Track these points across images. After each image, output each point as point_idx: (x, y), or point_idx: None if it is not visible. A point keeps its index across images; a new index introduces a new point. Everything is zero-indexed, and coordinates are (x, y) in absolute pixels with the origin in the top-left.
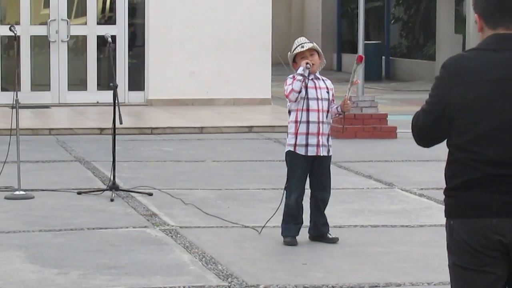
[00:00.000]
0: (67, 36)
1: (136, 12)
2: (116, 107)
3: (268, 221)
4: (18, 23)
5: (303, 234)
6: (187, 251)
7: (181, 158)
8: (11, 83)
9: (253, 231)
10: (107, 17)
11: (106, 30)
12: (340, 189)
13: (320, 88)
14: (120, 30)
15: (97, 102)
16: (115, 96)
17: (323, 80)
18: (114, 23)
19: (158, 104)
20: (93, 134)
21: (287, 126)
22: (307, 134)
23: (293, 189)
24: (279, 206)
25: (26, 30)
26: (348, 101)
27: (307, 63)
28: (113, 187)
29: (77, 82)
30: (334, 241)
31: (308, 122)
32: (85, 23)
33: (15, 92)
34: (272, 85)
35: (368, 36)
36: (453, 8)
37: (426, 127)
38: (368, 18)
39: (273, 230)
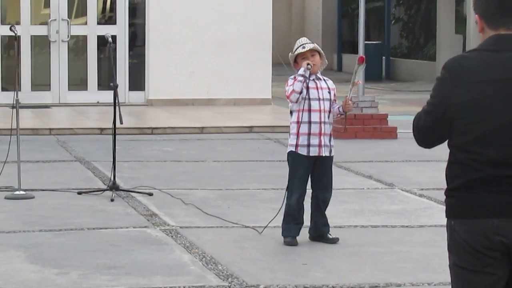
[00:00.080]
0: (68, 36)
1: (136, 12)
2: (117, 107)
3: (270, 221)
4: (18, 23)
5: (304, 234)
6: (187, 251)
7: (181, 158)
8: (12, 83)
9: (253, 231)
10: (107, 17)
11: (107, 30)
12: (340, 189)
13: (321, 88)
14: (120, 30)
15: (98, 102)
16: (115, 96)
17: (324, 80)
18: (114, 23)
19: (158, 104)
20: (93, 134)
21: (287, 127)
22: (309, 134)
23: (294, 189)
24: (281, 207)
25: (26, 30)
26: (350, 102)
27: (307, 64)
28: (114, 187)
29: (77, 82)
30: (334, 241)
31: (310, 122)
32: (86, 23)
33: (15, 92)
34: (272, 85)
35: (369, 36)
36: (453, 9)
37: (428, 127)
38: (368, 18)
39: (274, 230)
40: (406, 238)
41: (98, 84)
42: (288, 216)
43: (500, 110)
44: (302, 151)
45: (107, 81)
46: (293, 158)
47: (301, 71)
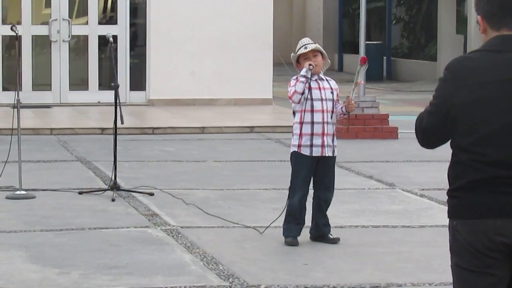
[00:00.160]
0: (69, 36)
1: (137, 12)
2: (118, 107)
3: (273, 221)
4: (19, 22)
5: (304, 234)
6: (188, 251)
7: (182, 158)
8: (13, 83)
9: (254, 231)
10: (108, 17)
11: (108, 30)
12: (341, 189)
13: (324, 88)
14: (121, 30)
15: (99, 102)
16: (116, 96)
17: (327, 80)
18: (115, 23)
19: (159, 104)
20: (94, 134)
21: (288, 127)
22: (312, 134)
23: (297, 189)
24: (285, 207)
25: (27, 30)
26: (352, 102)
27: (309, 65)
28: (114, 187)
29: (78, 82)
30: (335, 241)
31: (312, 123)
32: (87, 23)
33: (16, 92)
34: (273, 85)
35: (370, 37)
36: (454, 9)
37: (430, 128)
38: (369, 18)
39: (274, 230)
40: (407, 238)
41: (99, 84)
42: (290, 216)
43: (503, 111)
44: (305, 151)
45: (108, 81)
46: (296, 158)
47: (303, 72)
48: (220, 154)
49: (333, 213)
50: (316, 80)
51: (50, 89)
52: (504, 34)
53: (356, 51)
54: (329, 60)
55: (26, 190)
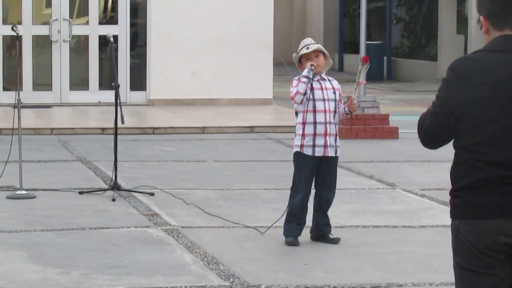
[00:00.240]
0: (69, 36)
1: (138, 12)
2: (118, 107)
3: (275, 222)
4: (20, 22)
5: (305, 234)
6: (188, 251)
7: (182, 158)
8: (13, 83)
9: (255, 231)
10: (109, 17)
11: (108, 30)
12: (341, 189)
13: (326, 88)
14: (122, 30)
15: (99, 102)
16: (117, 96)
17: (329, 80)
18: (116, 23)
19: (159, 104)
20: (94, 134)
21: (288, 127)
22: (314, 135)
23: (299, 189)
24: (287, 208)
25: (28, 30)
26: (355, 101)
27: (311, 65)
28: (115, 186)
29: (79, 82)
30: (335, 241)
31: (315, 123)
32: (87, 23)
33: (17, 92)
34: (273, 85)
35: (370, 37)
36: (455, 9)
37: (433, 128)
38: (370, 18)
39: (275, 230)
40: (408, 238)
41: (100, 84)
42: (291, 216)
43: (506, 111)
44: (308, 151)
45: (108, 81)
46: (299, 158)
47: (305, 72)
48: (221, 154)
49: (333, 213)
50: (318, 80)
51: (51, 89)
52: (506, 34)
53: (356, 51)
54: (331, 60)
55: (26, 190)
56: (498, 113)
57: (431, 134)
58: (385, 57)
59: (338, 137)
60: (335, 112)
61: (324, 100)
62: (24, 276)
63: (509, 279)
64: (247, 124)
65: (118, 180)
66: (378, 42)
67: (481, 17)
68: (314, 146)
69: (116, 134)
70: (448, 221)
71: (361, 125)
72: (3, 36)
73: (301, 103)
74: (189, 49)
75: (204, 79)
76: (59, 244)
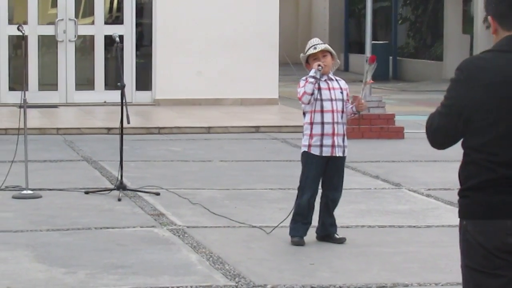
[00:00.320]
0: (75, 35)
1: (143, 12)
2: (124, 107)
3: (282, 222)
4: (26, 22)
5: (311, 234)
6: (194, 251)
7: (188, 158)
8: (19, 83)
9: (261, 231)
10: (114, 16)
11: (114, 30)
12: (347, 189)
13: (333, 88)
14: (127, 29)
15: (105, 102)
16: (122, 95)
17: (337, 80)
18: (121, 22)
19: (165, 104)
20: (100, 134)
21: (294, 126)
22: (322, 135)
23: (306, 189)
24: (293, 208)
25: (34, 30)
26: (362, 101)
27: (318, 65)
28: (121, 186)
29: (84, 81)
30: (341, 241)
31: (322, 123)
32: (93, 23)
33: (22, 92)
34: (279, 85)
35: (376, 36)
36: (460, 8)
37: (442, 129)
38: (375, 18)
39: (281, 230)
40: (413, 238)
41: (105, 84)
42: (297, 215)
43: None
44: (315, 151)
45: (114, 80)
46: (306, 158)
47: (312, 73)
48: (226, 154)
49: (339, 213)
50: (325, 80)
51: (56, 89)
52: None
53: (362, 51)
54: (338, 61)
55: (32, 189)
56: (508, 113)
57: (439, 134)
58: (390, 57)
59: (346, 137)
60: (342, 112)
61: (331, 100)
62: (30, 275)
63: None
64: (252, 124)
65: (124, 180)
66: (384, 42)
67: (489, 17)
68: (321, 146)
69: (121, 134)
70: (454, 221)
71: (367, 125)
72: (9, 36)
73: (308, 104)
74: (195, 49)
75: (210, 79)
76: (65, 244)
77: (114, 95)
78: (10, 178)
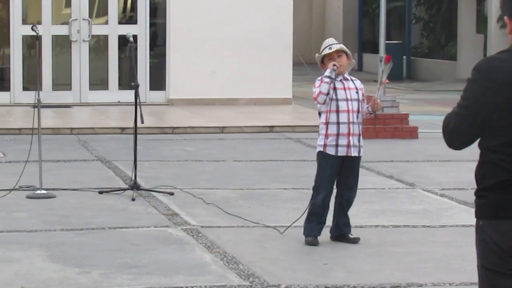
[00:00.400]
0: (89, 35)
1: (157, 12)
2: (138, 107)
3: (295, 221)
4: (40, 22)
5: (325, 234)
6: (208, 251)
7: (202, 158)
8: (33, 83)
9: (275, 231)
10: (128, 16)
11: (127, 30)
12: (361, 189)
13: (349, 88)
14: (141, 29)
15: (118, 102)
16: (136, 95)
17: (352, 80)
18: (135, 22)
19: (179, 103)
20: (114, 134)
21: (308, 126)
22: (338, 135)
23: (321, 189)
24: (307, 207)
25: (48, 30)
26: (378, 101)
27: (334, 65)
28: (135, 186)
29: (98, 81)
30: (355, 241)
31: (338, 123)
32: (106, 23)
33: (36, 92)
34: (293, 85)
35: (389, 36)
36: (474, 8)
37: (458, 130)
38: (389, 18)
39: (295, 230)
40: (428, 238)
41: (119, 84)
42: (312, 215)
43: None
44: (331, 151)
45: (128, 80)
46: (322, 158)
47: (327, 73)
48: (240, 153)
49: (353, 213)
50: (341, 80)
51: (70, 89)
52: None
53: (376, 50)
54: (353, 60)
55: (46, 189)
56: None
57: (456, 135)
58: (404, 57)
59: (361, 137)
60: (358, 112)
61: (347, 100)
62: (44, 275)
63: None
64: (266, 123)
65: (138, 179)
66: (398, 41)
67: (505, 17)
68: (337, 146)
69: (135, 134)
70: (468, 220)
71: (381, 124)
72: (23, 36)
73: (324, 103)
74: (209, 49)
75: (224, 78)
76: (79, 244)
77: (128, 95)
78: (24, 178)
